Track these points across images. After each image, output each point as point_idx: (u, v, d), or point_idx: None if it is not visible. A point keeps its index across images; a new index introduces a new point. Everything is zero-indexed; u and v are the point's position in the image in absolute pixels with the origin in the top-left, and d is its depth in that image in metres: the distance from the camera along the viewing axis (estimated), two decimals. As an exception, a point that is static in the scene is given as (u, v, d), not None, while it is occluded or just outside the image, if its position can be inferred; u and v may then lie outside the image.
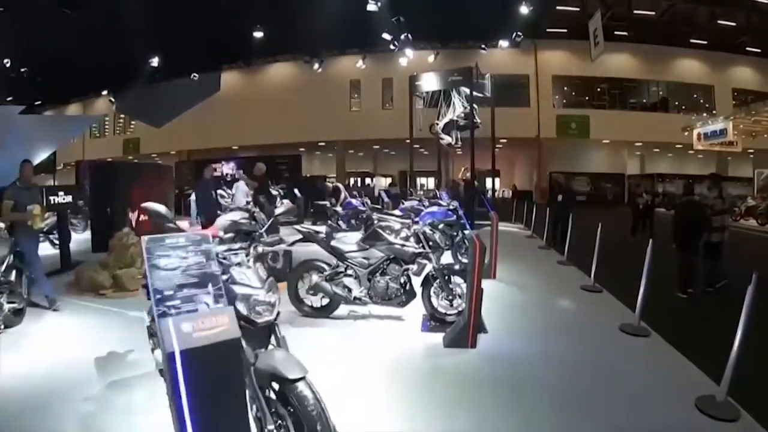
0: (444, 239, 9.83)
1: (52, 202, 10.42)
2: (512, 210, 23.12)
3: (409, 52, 25.57)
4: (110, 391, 4.80)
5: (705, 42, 36.04)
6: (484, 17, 24.46)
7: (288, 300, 7.14)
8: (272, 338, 3.57)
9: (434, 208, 10.40)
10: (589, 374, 5.33)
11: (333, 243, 7.14)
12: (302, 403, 2.90)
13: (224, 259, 3.70)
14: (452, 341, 5.98)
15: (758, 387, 4.87)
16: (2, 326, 6.41)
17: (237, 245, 4.01)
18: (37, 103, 41.56)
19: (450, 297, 6.79)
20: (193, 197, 16.78)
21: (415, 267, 6.79)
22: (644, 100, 38.38)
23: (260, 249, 8.67)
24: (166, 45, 25.66)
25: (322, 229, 7.44)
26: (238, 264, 3.70)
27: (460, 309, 6.61)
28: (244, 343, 3.15)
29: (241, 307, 3.29)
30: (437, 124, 19.89)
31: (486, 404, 4.58)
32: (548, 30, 33.88)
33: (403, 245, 6.81)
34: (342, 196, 16.07)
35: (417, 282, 6.96)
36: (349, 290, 6.98)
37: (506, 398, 4.72)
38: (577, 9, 32.47)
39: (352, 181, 42.60)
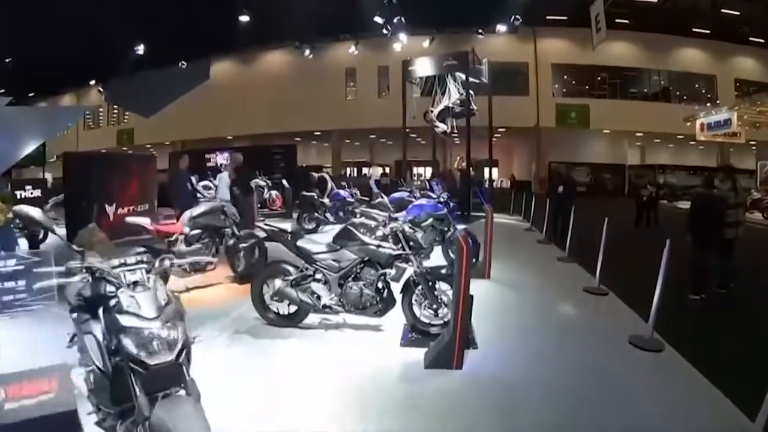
0: (433, 236, 8.89)
1: (18, 196, 9.50)
2: (510, 201, 22.04)
3: (403, 36, 24.60)
4: None
5: (707, 31, 35.00)
6: (481, 1, 23.41)
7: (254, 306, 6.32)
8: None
9: (422, 201, 9.40)
10: (595, 403, 4.39)
11: (300, 243, 6.18)
12: None
13: (115, 277, 2.70)
14: (434, 360, 5.01)
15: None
16: None
17: (133, 258, 2.94)
18: (30, 95, 41.01)
19: (434, 306, 5.79)
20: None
21: (393, 271, 5.80)
22: (645, 90, 37.50)
23: (231, 242, 7.75)
24: (154, 33, 25.05)
25: (288, 226, 6.46)
26: (134, 283, 2.71)
27: (446, 319, 5.61)
28: (137, 389, 2.43)
29: (128, 344, 2.47)
30: (432, 111, 18.90)
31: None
32: (548, 17, 33.05)
33: (378, 246, 5.82)
34: (329, 186, 15.05)
35: (398, 288, 5.98)
36: (318, 297, 6.03)
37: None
38: (578, -5, 31.30)
39: (348, 171, 41.97)
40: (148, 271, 2.87)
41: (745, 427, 3.84)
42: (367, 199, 13.53)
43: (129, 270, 2.82)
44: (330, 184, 15.12)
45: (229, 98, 37.53)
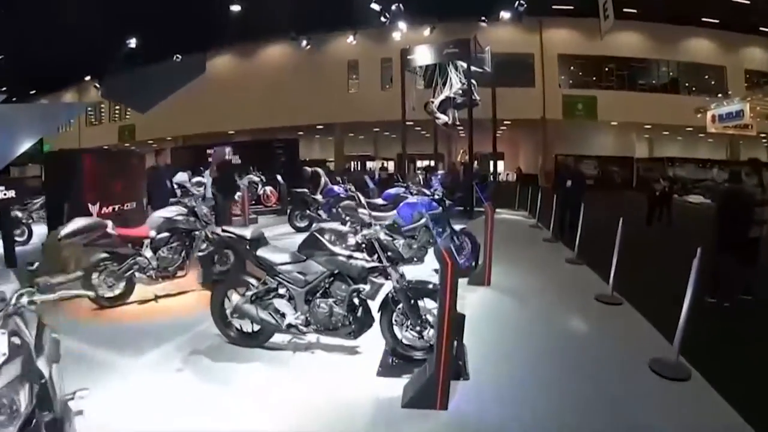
0: (427, 237, 7.91)
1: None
2: (516, 195, 20.89)
3: (402, 25, 23.52)
4: None
5: (717, 21, 33.62)
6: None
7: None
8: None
9: (415, 199, 8.37)
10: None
11: (260, 252, 5.22)
12: None
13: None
14: (414, 399, 4.01)
15: None
16: None
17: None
18: (32, 92, 40.41)
19: (418, 327, 4.78)
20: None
21: (367, 287, 4.81)
22: (653, 81, 36.26)
23: (204, 246, 6.72)
24: (148, 26, 24.30)
25: (248, 231, 5.48)
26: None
27: (431, 342, 4.59)
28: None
29: None
30: (432, 102, 17.84)
31: None
32: (554, 6, 31.91)
33: (349, 257, 4.83)
34: (322, 182, 14.00)
35: (377, 305, 5.00)
36: (282, 315, 5.08)
37: None
38: (585, -17, 30.17)
39: (352, 165, 41.10)
40: None
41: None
42: (353, 195, 12.48)
43: None
44: (323, 179, 14.07)
45: (231, 93, 36.84)
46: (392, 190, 11.37)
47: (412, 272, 7.90)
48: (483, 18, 27.86)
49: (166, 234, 7.38)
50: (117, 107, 43.90)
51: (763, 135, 31.18)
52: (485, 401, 4.18)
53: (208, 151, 30.90)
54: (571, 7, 32.09)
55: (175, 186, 12.98)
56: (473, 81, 16.87)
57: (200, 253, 7.40)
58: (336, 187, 13.21)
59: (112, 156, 16.61)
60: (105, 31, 23.41)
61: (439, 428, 3.75)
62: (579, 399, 4.26)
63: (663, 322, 5.70)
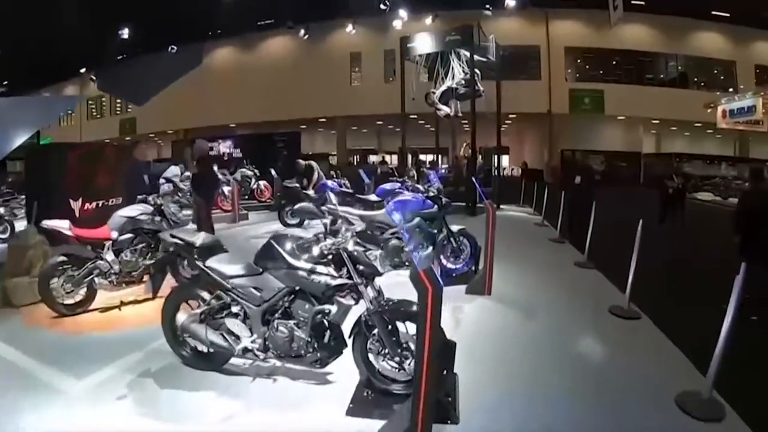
0: (420, 239, 7.00)
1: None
2: (521, 191, 19.95)
3: (403, 13, 22.54)
4: None
5: (727, 15, 32.67)
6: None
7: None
8: None
9: (407, 196, 7.43)
10: None
11: (210, 262, 4.34)
12: None
13: None
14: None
15: None
16: None
17: None
18: (31, 86, 39.94)
19: (398, 356, 3.84)
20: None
21: (334, 308, 3.91)
22: (662, 75, 35.18)
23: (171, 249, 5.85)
24: (143, 17, 23.49)
25: (198, 238, 4.61)
26: None
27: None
28: None
29: None
30: (433, 92, 16.89)
31: None
32: (560, -2, 30.83)
33: (311, 271, 3.91)
34: (315, 176, 13.04)
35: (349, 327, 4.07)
36: (237, 337, 4.20)
37: None
38: (593, -27, 29.19)
39: (356, 159, 40.37)
40: None
41: None
42: (347, 191, 11.57)
43: None
44: (317, 173, 13.11)
45: (232, 86, 36.14)
46: (387, 186, 10.44)
47: (402, 278, 7.07)
48: (488, 6, 26.90)
49: (129, 235, 6.59)
50: (118, 101, 43.18)
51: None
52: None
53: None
54: (579, -2, 31.27)
55: (163, 181, 12.20)
56: (477, 71, 15.89)
57: (149, 261, 6.55)
58: (329, 182, 12.29)
59: (96, 149, 15.81)
60: (99, 22, 22.75)
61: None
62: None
63: (689, 343, 4.89)
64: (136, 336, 5.24)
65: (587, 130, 35.33)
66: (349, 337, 3.96)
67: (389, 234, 7.04)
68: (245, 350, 4.13)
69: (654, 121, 35.74)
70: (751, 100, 24.93)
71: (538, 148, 36.92)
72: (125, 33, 25.00)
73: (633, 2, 29.86)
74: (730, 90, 31.12)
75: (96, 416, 3.75)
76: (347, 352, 3.99)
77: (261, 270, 4.15)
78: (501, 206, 17.59)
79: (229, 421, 3.66)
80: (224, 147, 32.16)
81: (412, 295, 3.10)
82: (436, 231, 7.24)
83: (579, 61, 34.71)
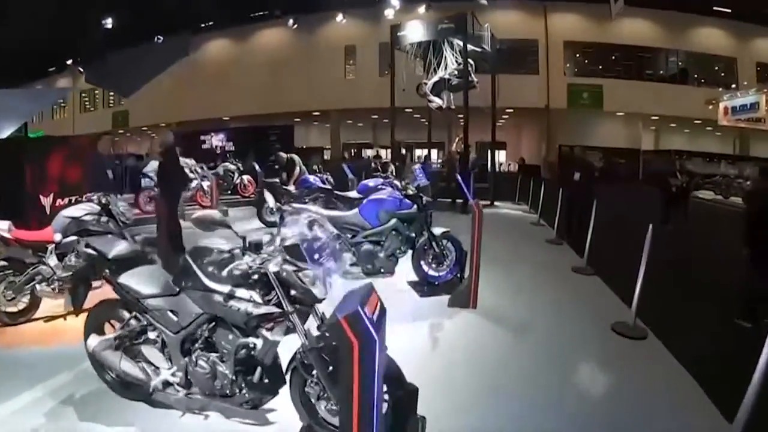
0: (397, 244, 6.10)
1: None
2: (516, 187, 18.92)
3: (395, 1, 21.64)
4: None
5: (729, 10, 31.75)
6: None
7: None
8: None
9: (383, 194, 6.43)
10: None
11: (124, 278, 3.47)
12: None
13: None
14: None
15: None
16: None
17: None
18: (23, 78, 39.26)
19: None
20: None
21: (258, 342, 2.97)
22: (662, 71, 34.30)
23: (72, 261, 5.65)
24: (130, 5, 22.75)
25: (114, 248, 3.72)
26: None
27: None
28: None
29: None
30: (425, 83, 15.94)
31: None
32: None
33: (229, 296, 2.98)
34: (296, 170, 12.01)
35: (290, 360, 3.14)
36: (155, 368, 3.33)
37: None
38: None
39: (352, 153, 39.57)
40: None
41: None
42: (327, 188, 10.63)
43: None
44: (298, 167, 12.08)
45: (226, 78, 35.35)
46: (370, 182, 9.51)
47: (380, 286, 6.19)
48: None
49: (74, 238, 5.74)
50: (111, 93, 42.35)
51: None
52: None
53: (202, 138, 29.53)
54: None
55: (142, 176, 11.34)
56: (470, 61, 14.94)
57: (65, 274, 5.67)
58: (311, 177, 11.32)
59: (69, 142, 14.96)
60: (85, 12, 21.92)
61: None
62: None
63: (707, 372, 4.11)
64: (73, 352, 4.35)
65: (585, 126, 34.26)
66: (286, 373, 3.04)
67: (361, 237, 6.10)
68: (166, 384, 3.27)
69: (653, 118, 34.79)
70: (753, 97, 24.32)
71: (536, 143, 36.03)
72: (110, 23, 24.13)
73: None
74: (733, 86, 30.27)
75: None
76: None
77: (177, 290, 3.23)
78: (495, 203, 16.73)
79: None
80: (216, 140, 31.37)
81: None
82: (415, 234, 6.30)
83: (578, 55, 33.81)
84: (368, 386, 1.98)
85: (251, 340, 2.95)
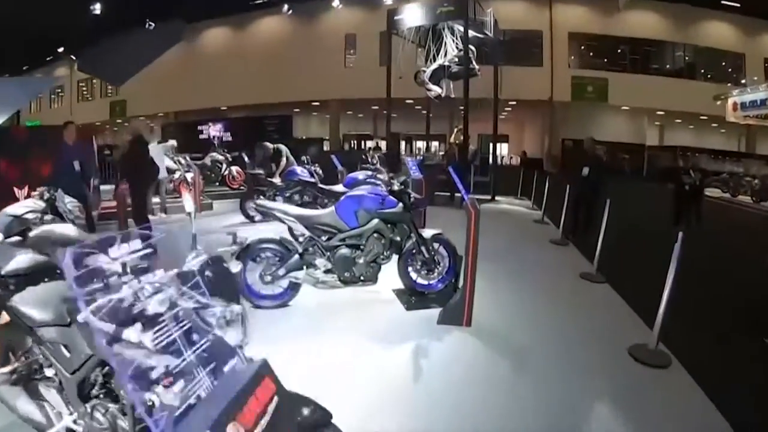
0: (379, 249, 5.21)
1: None
2: (519, 181, 17.88)
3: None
4: None
5: (738, 5, 30.65)
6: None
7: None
8: None
9: (363, 190, 5.45)
10: None
11: (16, 300, 2.68)
12: None
13: None
14: None
15: None
16: None
17: None
18: (24, 68, 38.52)
19: None
20: None
21: (156, 400, 2.01)
22: (668, 65, 33.13)
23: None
24: None
25: (10, 261, 2.92)
26: None
27: None
28: None
29: None
30: (423, 71, 14.95)
31: None
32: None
33: (114, 339, 1.95)
34: (283, 161, 11.05)
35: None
36: (58, 412, 2.52)
37: None
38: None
39: (353, 144, 38.81)
40: None
41: None
42: (311, 181, 9.71)
43: None
44: (285, 158, 11.11)
45: (224, 67, 34.31)
46: (359, 174, 8.62)
47: (361, 297, 5.29)
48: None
49: (17, 238, 4.92)
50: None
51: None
52: None
53: (199, 128, 28.66)
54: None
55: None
56: (472, 47, 13.97)
57: None
58: (298, 169, 10.37)
59: (46, 131, 14.24)
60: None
61: None
62: None
63: (742, 418, 3.29)
64: None
65: (589, 120, 32.86)
66: None
67: (338, 240, 5.17)
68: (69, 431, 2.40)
69: (659, 113, 33.82)
70: (764, 93, 23.35)
71: (539, 137, 34.97)
72: (98, 9, 23.26)
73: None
74: (743, 81, 29.31)
75: None
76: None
77: (68, 320, 2.36)
78: (497, 198, 15.83)
79: None
80: (214, 130, 30.67)
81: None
82: (400, 238, 5.37)
83: (583, 47, 32.57)
84: None
85: (148, 396, 2.04)
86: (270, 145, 11.51)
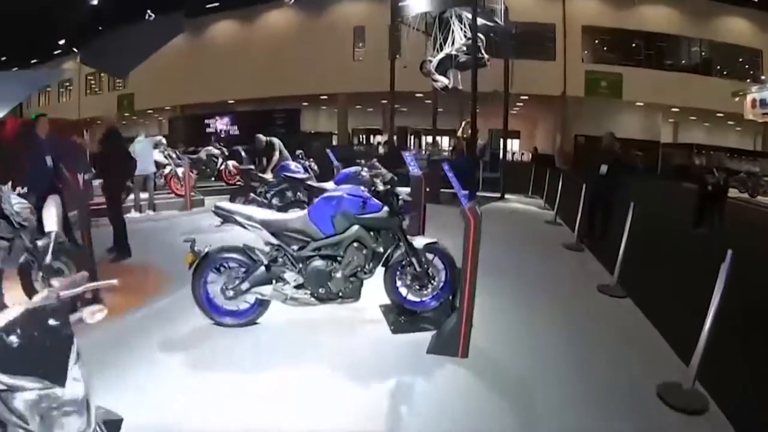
0: (360, 260, 4.32)
1: None
2: (530, 178, 16.77)
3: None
4: None
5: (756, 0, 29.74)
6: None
7: None
8: None
9: (343, 191, 4.50)
10: None
11: None
12: None
13: None
14: None
15: None
16: None
17: None
18: (33, 61, 38.29)
19: None
20: None
21: None
22: (684, 61, 32.18)
23: (22, 257, 4.73)
24: None
25: None
26: None
27: None
28: None
29: None
30: (429, 60, 14.09)
31: None
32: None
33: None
34: (275, 156, 10.19)
35: None
36: None
37: None
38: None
39: (362, 138, 38.14)
40: None
41: None
42: (303, 177, 8.86)
43: None
44: (277, 152, 10.23)
45: (232, 61, 33.71)
46: (352, 170, 7.75)
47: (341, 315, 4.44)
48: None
49: None
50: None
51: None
52: None
53: (206, 122, 27.95)
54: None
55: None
56: (481, 36, 13.06)
57: None
58: (292, 164, 9.49)
59: (30, 124, 13.59)
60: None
61: None
62: None
63: None
64: None
65: (602, 116, 31.81)
66: None
67: (311, 250, 4.28)
68: None
69: (674, 109, 32.75)
70: (784, 90, 22.35)
71: (551, 133, 34.13)
72: (97, 0, 22.66)
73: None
74: (762, 78, 28.18)
75: None
76: None
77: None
78: (506, 196, 14.89)
79: None
80: (221, 124, 30.05)
81: None
82: (384, 249, 4.44)
83: (597, 41, 31.62)
84: None
85: None
86: (263, 138, 10.68)
